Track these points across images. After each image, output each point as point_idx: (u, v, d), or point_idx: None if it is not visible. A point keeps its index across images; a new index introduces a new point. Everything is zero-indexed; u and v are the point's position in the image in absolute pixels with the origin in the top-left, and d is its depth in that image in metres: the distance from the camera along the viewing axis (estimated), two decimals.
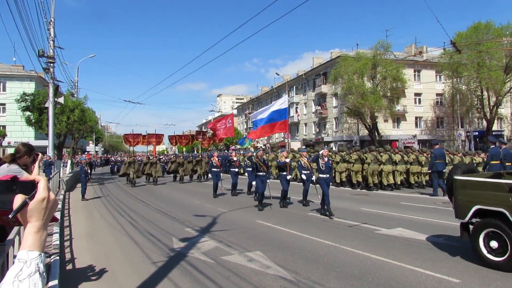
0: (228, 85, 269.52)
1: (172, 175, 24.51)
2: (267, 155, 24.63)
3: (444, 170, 14.39)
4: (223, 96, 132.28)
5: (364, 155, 17.02)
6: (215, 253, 6.69)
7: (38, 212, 1.10)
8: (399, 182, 17.11)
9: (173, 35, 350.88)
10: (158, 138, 24.43)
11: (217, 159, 16.15)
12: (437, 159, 14.49)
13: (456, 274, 5.25)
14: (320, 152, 10.99)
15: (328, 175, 10.64)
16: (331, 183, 11.96)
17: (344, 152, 18.69)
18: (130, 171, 21.42)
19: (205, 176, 24.20)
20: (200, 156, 25.51)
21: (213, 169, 15.80)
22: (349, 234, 8.09)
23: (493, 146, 13.20)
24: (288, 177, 12.09)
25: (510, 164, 12.54)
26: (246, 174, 16.13)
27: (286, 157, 12.52)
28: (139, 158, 27.97)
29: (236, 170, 16.21)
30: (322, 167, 10.62)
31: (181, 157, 25.01)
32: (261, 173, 11.97)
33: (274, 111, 13.46)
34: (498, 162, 12.34)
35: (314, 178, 12.01)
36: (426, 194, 14.74)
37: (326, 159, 10.75)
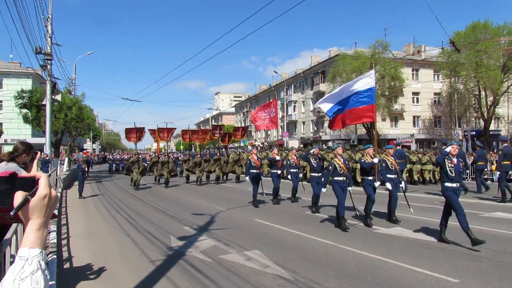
0: (226, 83, 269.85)
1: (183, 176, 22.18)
2: (259, 153, 23.65)
3: (405, 169, 16.69)
4: (221, 94, 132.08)
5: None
6: (213, 252, 6.67)
7: (39, 209, 1.08)
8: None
9: (171, 33, 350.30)
10: (169, 133, 21.63)
11: (256, 157, 12.68)
12: (398, 159, 15.50)
13: (455, 274, 5.25)
14: (447, 150, 7.36)
15: (458, 184, 7.18)
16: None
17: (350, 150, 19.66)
18: (134, 171, 18.64)
19: (225, 177, 21.87)
20: (218, 154, 21.89)
21: (251, 171, 12.45)
22: (348, 233, 8.08)
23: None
24: (377, 184, 8.98)
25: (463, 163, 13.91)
26: (289, 177, 13.29)
27: (373, 156, 9.14)
28: (141, 156, 24.80)
29: (279, 172, 12.64)
30: (451, 172, 7.09)
31: (198, 155, 21.41)
32: (341, 178, 8.72)
33: (358, 92, 10.19)
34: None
35: (381, 184, 9.12)
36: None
37: (455, 160, 7.21)
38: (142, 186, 19.11)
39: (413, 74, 44.25)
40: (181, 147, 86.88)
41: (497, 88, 34.02)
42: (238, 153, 23.58)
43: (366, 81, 10.11)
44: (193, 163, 20.33)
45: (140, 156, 21.52)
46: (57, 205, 11.47)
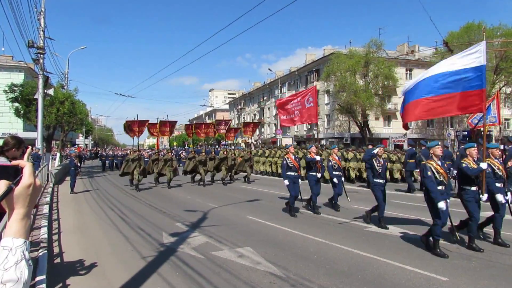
0: (220, 80, 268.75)
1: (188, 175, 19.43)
2: (243, 151, 21.17)
3: None
4: (215, 91, 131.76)
5: (320, 152, 19.52)
6: (205, 248, 6.67)
7: (23, 199, 1.07)
8: (353, 177, 19.03)
9: (165, 28, 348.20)
10: (172, 127, 19.34)
11: (293, 157, 10.47)
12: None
13: (444, 272, 5.31)
14: None
15: None
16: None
17: (343, 149, 20.50)
18: (135, 171, 16.44)
19: (231, 177, 19.49)
20: (225, 152, 19.74)
21: (288, 173, 10.29)
22: (339, 231, 8.13)
23: (411, 147, 16.66)
24: (484, 197, 6.71)
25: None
26: (335, 180, 10.94)
27: (476, 159, 6.92)
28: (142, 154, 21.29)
29: (319, 175, 10.41)
30: None
31: (203, 152, 19.21)
32: (440, 187, 6.49)
33: (456, 72, 7.16)
34: (413, 161, 15.36)
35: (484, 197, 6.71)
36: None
37: None
38: (141, 186, 16.83)
39: (406, 73, 44.49)
40: (175, 143, 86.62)
41: (489, 90, 34.33)
42: (248, 151, 21.76)
43: (471, 57, 7.07)
44: (197, 161, 18.06)
45: (142, 153, 18.89)
46: (47, 200, 11.40)
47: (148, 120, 18.43)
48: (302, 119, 12.26)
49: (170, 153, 18.56)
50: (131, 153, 17.79)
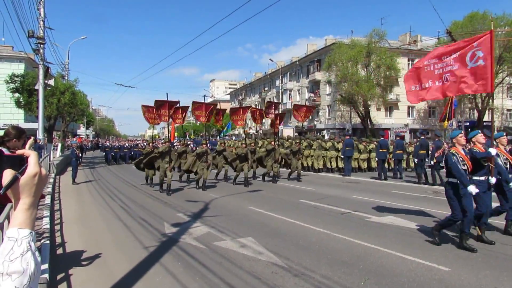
0: (220, 70, 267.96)
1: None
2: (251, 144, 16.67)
3: (352, 156, 18.63)
4: (216, 81, 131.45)
5: (312, 142, 20.26)
6: (207, 238, 6.69)
7: (29, 188, 1.06)
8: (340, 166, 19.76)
9: (166, 19, 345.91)
10: (208, 111, 15.13)
11: (463, 151, 6.43)
12: (347, 147, 18.12)
13: (446, 263, 5.31)
14: None
15: None
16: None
17: (333, 140, 20.88)
18: (163, 167, 12.74)
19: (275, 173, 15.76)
20: (272, 143, 16.34)
21: (450, 179, 6.22)
22: (341, 221, 8.13)
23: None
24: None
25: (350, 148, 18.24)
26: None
27: None
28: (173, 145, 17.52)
29: (492, 180, 6.51)
30: None
31: (244, 145, 15.48)
32: None
33: None
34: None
35: None
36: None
37: None
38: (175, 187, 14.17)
39: (408, 63, 44.13)
40: (176, 134, 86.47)
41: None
42: (297, 142, 17.71)
43: None
44: (235, 155, 14.77)
45: (171, 145, 14.67)
46: (49, 191, 11.42)
47: (178, 101, 14.97)
48: (459, 86, 7.26)
49: (205, 145, 14.13)
50: (150, 145, 15.36)
